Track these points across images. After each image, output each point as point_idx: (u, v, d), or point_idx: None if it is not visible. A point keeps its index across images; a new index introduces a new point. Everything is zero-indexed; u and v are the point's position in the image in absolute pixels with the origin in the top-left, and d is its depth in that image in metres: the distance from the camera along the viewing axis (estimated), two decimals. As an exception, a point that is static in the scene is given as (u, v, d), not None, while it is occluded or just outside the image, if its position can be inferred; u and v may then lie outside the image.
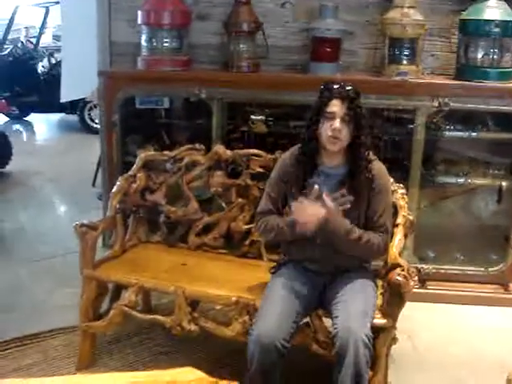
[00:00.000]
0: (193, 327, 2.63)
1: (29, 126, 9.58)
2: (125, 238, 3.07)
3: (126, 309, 2.71)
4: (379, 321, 2.39)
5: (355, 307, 2.30)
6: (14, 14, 8.90)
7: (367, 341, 2.21)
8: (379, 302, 2.50)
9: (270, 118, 3.74)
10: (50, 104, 8.41)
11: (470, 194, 3.83)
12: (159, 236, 3.18)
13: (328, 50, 3.57)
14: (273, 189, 2.56)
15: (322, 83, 2.46)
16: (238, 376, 2.35)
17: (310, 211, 2.32)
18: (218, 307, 2.60)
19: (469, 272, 3.70)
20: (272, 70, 3.77)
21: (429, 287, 3.64)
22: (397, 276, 2.32)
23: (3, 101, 8.00)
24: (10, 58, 9.03)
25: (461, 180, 3.72)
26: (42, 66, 9.35)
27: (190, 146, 3.16)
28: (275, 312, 2.31)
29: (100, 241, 3.58)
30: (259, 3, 3.72)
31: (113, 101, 3.66)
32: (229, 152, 3.10)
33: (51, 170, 6.72)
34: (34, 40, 9.80)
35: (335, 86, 2.38)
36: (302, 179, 2.47)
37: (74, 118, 9.04)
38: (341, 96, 2.36)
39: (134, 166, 3.12)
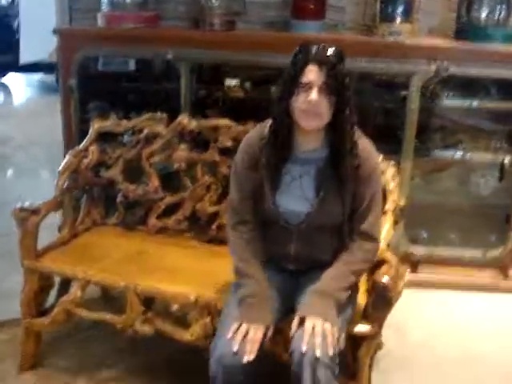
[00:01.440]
0: (147, 329, 2.29)
1: (5, 87, 9.14)
2: (76, 221, 2.69)
3: (71, 306, 2.36)
4: (362, 327, 2.04)
5: None
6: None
7: (328, 361, 1.82)
8: (362, 301, 2.14)
9: (247, 83, 3.34)
10: (28, 64, 7.95)
11: (468, 168, 3.47)
12: (116, 218, 2.81)
13: (311, 5, 3.15)
14: (239, 179, 2.11)
15: (297, 45, 1.96)
16: (199, 379, 2.05)
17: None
18: (176, 307, 2.23)
19: (465, 255, 3.36)
20: (249, 28, 3.36)
21: (420, 272, 3.30)
22: (383, 276, 1.96)
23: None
24: (-18, 16, 8.56)
25: (459, 154, 3.34)
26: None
27: (150, 114, 2.76)
28: None
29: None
30: (234, -48, 3.29)
31: (70, 63, 3.26)
32: (194, 122, 2.71)
33: (24, 135, 6.33)
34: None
35: (313, 49, 1.90)
36: (275, 166, 2.02)
37: (53, 78, 8.61)
38: (319, 60, 1.88)
39: (86, 138, 2.73)
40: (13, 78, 9.26)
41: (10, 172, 5.31)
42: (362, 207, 2.03)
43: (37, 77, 9.24)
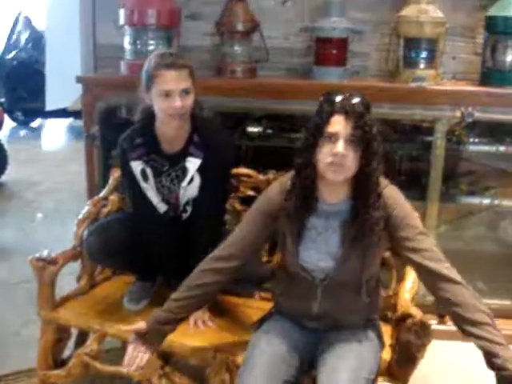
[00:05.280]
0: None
1: (35, 132, 9.28)
2: (95, 271, 2.66)
3: (87, 358, 2.31)
4: (384, 385, 1.96)
5: (342, 376, 1.82)
6: (17, 17, 8.61)
7: None
8: (387, 356, 2.06)
9: (269, 131, 3.32)
10: (57, 109, 8.07)
11: (496, 215, 3.38)
12: (136, 267, 2.77)
13: (334, 52, 3.13)
14: (249, 222, 2.05)
15: (322, 94, 1.91)
16: None
17: None
18: (194, 361, 2.17)
19: (493, 306, 3.21)
20: (271, 76, 3.34)
21: (448, 323, 3.18)
22: (407, 332, 1.89)
23: (-1, 108, 7.62)
24: (14, 62, 8.75)
25: (486, 200, 3.26)
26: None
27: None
28: None
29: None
30: (257, 0, 3.29)
31: (93, 110, 3.28)
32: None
33: (51, 180, 6.39)
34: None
35: (338, 98, 1.85)
36: (299, 220, 1.95)
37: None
38: (345, 111, 1.82)
39: (106, 186, 2.72)
40: (43, 123, 9.42)
41: (34, 217, 5.33)
42: (415, 249, 1.90)
43: (67, 122, 9.39)
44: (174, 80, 2.25)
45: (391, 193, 1.96)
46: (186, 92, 2.28)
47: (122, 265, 2.61)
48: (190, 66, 2.33)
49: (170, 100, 2.26)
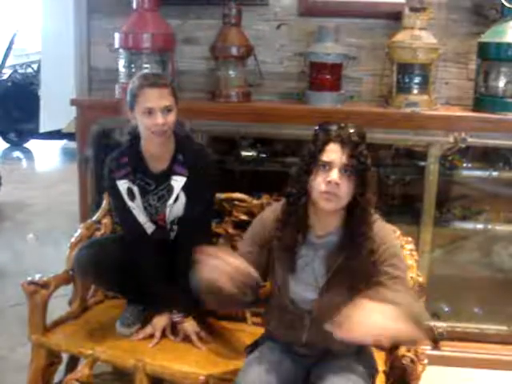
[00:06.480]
0: (155, 410, 2.20)
1: (28, 153, 9.28)
2: (87, 295, 2.64)
3: (78, 384, 2.28)
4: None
5: None
6: (13, 38, 8.65)
7: None
8: (381, 383, 2.05)
9: (263, 155, 3.32)
10: (51, 131, 8.07)
11: (490, 239, 3.38)
12: (129, 291, 2.75)
13: (328, 77, 3.14)
14: (247, 243, 2.04)
15: (317, 124, 1.92)
16: None
17: None
18: (185, 388, 2.15)
19: (489, 331, 3.23)
20: (265, 100, 3.36)
21: (442, 348, 3.17)
22: (401, 359, 1.88)
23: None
24: (9, 83, 8.79)
25: (480, 225, 3.27)
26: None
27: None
28: None
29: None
30: (251, 25, 3.33)
31: (87, 133, 3.27)
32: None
33: (44, 201, 6.37)
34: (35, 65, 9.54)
35: (334, 127, 1.86)
36: (290, 249, 1.94)
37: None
38: (341, 139, 1.82)
39: (99, 210, 2.71)
40: (36, 144, 9.42)
41: (27, 239, 5.30)
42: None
43: (60, 143, 9.39)
44: (155, 98, 2.32)
45: (379, 228, 1.94)
46: (167, 109, 2.35)
47: (113, 284, 2.59)
48: (172, 85, 2.43)
49: (152, 117, 2.32)
